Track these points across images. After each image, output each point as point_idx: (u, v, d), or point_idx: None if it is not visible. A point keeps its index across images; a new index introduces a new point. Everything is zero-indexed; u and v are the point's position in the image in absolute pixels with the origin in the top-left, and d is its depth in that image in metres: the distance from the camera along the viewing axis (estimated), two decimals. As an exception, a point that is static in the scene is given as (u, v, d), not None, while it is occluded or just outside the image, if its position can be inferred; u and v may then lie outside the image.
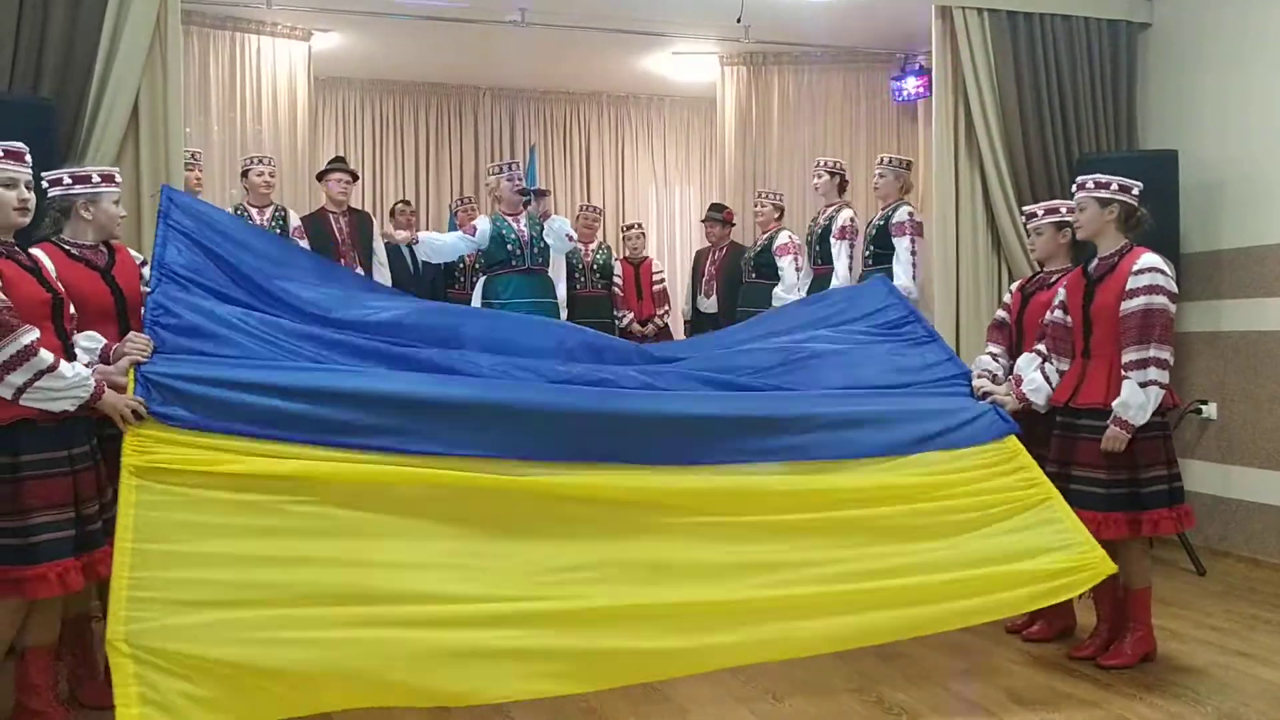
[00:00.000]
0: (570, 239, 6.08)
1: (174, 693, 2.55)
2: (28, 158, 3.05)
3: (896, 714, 3.31)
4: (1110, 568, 3.37)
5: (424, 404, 3.10)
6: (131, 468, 2.74)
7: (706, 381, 3.61)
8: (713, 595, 3.09)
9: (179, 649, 2.57)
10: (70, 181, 3.34)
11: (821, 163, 6.29)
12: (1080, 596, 3.96)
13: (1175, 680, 3.59)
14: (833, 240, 5.94)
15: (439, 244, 6.06)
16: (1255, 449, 5.29)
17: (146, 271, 3.47)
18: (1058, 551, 3.35)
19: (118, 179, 3.46)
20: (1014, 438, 3.61)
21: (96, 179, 3.37)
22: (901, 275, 5.47)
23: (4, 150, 3.00)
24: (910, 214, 5.63)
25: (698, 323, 7.14)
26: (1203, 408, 5.52)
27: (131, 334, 3.11)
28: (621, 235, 7.98)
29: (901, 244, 5.57)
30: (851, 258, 5.89)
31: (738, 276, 6.79)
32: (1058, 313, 3.84)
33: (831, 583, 3.17)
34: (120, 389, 2.90)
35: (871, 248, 5.78)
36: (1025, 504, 3.44)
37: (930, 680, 3.61)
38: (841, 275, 5.85)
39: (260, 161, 5.99)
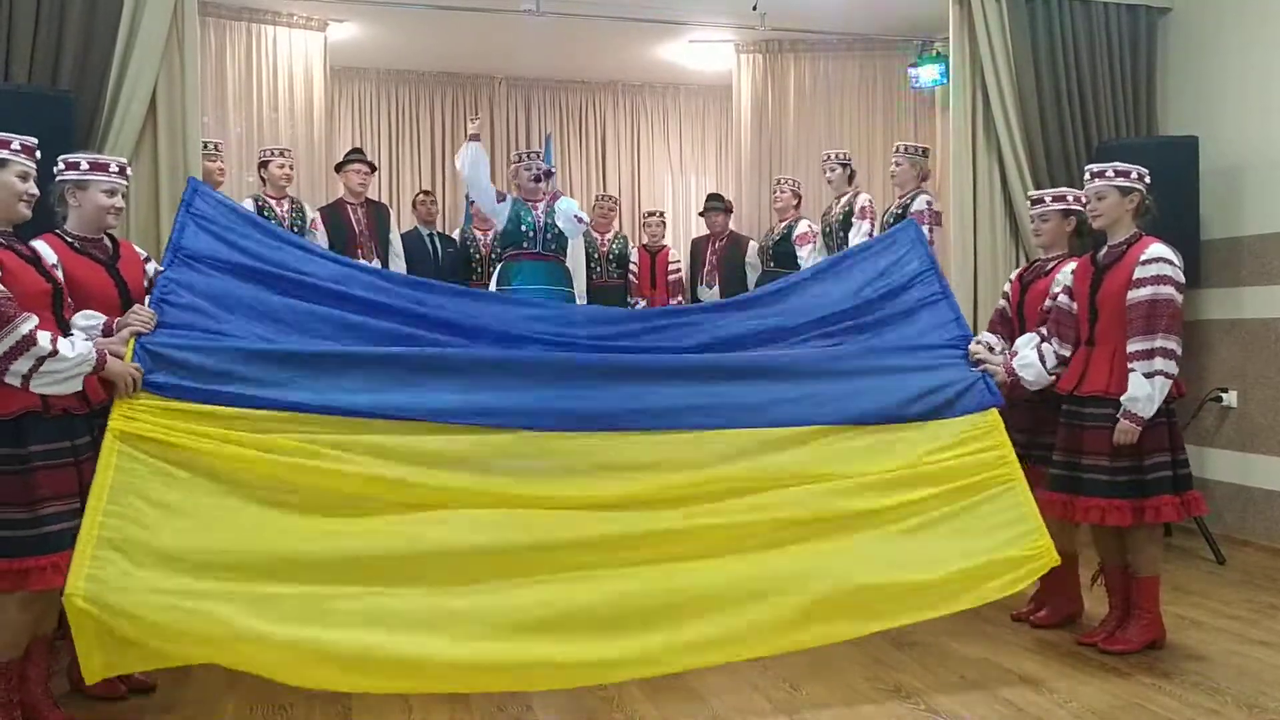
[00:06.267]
0: (580, 220, 5.83)
1: (127, 645, 2.62)
2: (38, 153, 3.07)
3: (914, 702, 3.31)
4: (1055, 560, 3.40)
5: (424, 365, 3.20)
6: (116, 431, 2.82)
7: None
8: (688, 584, 3.11)
9: (136, 610, 2.61)
10: (64, 167, 3.31)
11: (831, 155, 6.27)
12: (1091, 585, 3.97)
13: (1194, 669, 3.58)
14: (854, 220, 5.95)
15: (479, 167, 5.79)
16: (1276, 437, 5.25)
17: (150, 268, 3.49)
18: (1012, 546, 3.36)
19: (113, 168, 3.34)
20: (995, 412, 3.61)
21: (85, 165, 3.31)
22: None
23: (21, 145, 3.02)
24: (929, 203, 5.61)
25: None
26: (1223, 395, 5.48)
27: (136, 306, 3.15)
28: (640, 223, 7.98)
29: None
30: (871, 235, 5.85)
31: (739, 265, 6.82)
32: (1063, 298, 3.83)
33: (797, 582, 3.19)
34: (119, 358, 2.94)
35: None
36: (991, 483, 3.46)
37: (946, 667, 3.61)
38: None
39: (279, 154, 6.01)
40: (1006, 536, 3.38)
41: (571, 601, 3.00)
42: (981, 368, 3.72)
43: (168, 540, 2.74)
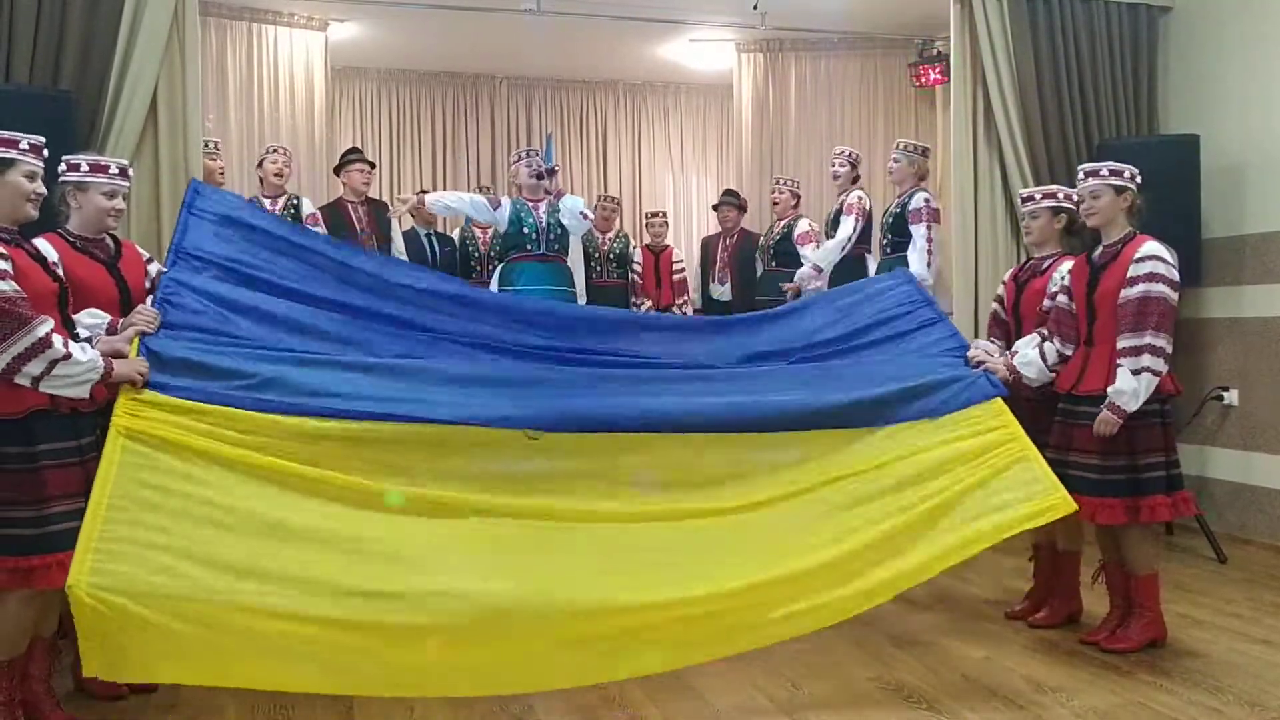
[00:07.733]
0: (585, 216, 5.93)
1: (132, 645, 2.61)
2: (45, 152, 3.07)
3: (915, 701, 3.31)
4: (1071, 506, 3.32)
5: (414, 370, 3.19)
6: (121, 428, 2.81)
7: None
8: (714, 577, 3.08)
9: (139, 606, 2.60)
10: (65, 168, 3.32)
11: (843, 151, 6.27)
12: (1093, 583, 3.97)
13: (1196, 667, 3.58)
14: (842, 217, 5.91)
15: (448, 199, 6.06)
16: (1277, 435, 5.24)
17: (153, 269, 3.49)
18: (1026, 503, 3.33)
19: (113, 170, 3.35)
20: (1000, 400, 3.59)
21: (85, 168, 3.31)
22: (916, 262, 5.45)
23: (29, 144, 3.01)
24: (927, 200, 5.60)
25: (710, 311, 7.07)
26: (1224, 394, 5.47)
27: (141, 306, 3.16)
28: (644, 223, 7.98)
29: (918, 231, 5.54)
30: (854, 232, 5.86)
31: (751, 262, 6.77)
32: (1062, 298, 3.84)
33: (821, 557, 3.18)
34: (123, 356, 2.95)
35: (890, 235, 5.75)
36: (1003, 458, 3.42)
37: (948, 667, 3.61)
38: (839, 242, 5.87)
39: (273, 150, 6.00)
40: (1020, 495, 3.34)
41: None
42: (982, 368, 3.72)
43: (171, 537, 2.72)
